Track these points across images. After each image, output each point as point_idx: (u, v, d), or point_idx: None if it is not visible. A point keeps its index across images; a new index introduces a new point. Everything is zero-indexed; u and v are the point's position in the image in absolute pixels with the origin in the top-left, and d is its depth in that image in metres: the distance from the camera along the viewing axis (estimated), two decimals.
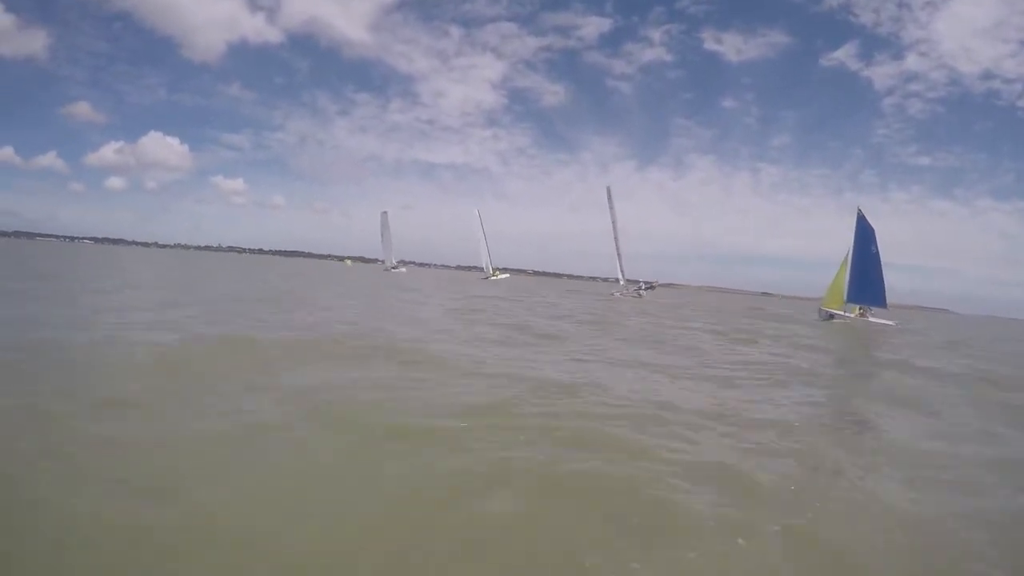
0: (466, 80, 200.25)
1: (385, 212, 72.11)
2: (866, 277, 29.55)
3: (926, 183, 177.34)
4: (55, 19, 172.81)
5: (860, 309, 29.15)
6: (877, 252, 29.52)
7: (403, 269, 71.04)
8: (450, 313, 17.05)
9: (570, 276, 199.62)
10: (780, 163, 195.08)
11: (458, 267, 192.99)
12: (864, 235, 29.84)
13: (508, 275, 70.22)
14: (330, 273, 51.16)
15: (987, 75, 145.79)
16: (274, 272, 41.80)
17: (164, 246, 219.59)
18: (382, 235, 71.72)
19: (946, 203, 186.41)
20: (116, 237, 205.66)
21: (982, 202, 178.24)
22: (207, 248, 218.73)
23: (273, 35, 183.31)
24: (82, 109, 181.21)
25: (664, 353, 10.83)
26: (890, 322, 28.43)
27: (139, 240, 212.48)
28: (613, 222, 46.19)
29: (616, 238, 46.45)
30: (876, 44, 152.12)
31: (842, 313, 29.01)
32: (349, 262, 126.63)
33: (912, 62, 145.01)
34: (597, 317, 18.91)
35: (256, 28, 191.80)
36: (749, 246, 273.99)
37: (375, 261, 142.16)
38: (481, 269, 66.01)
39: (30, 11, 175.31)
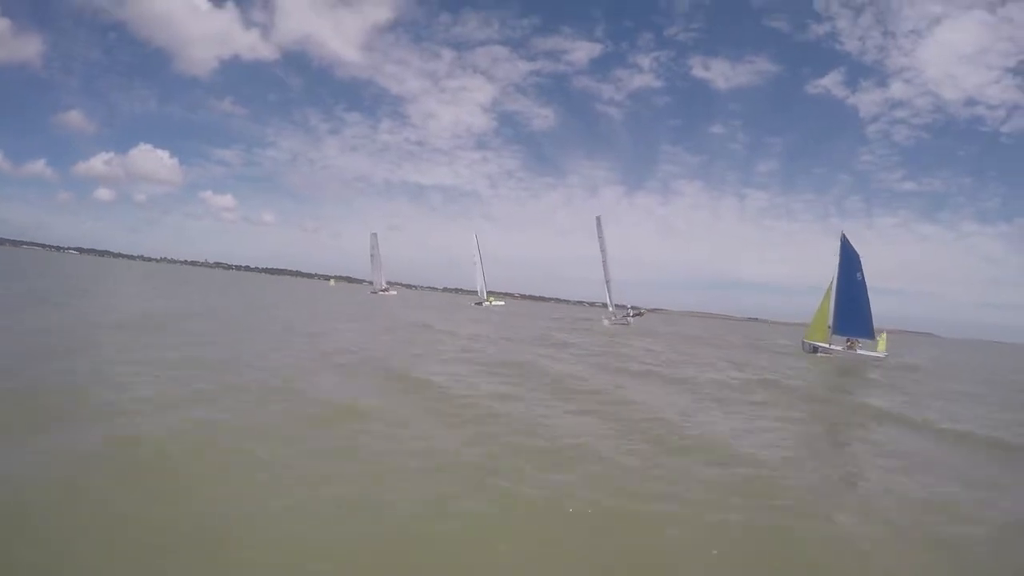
0: (456, 102, 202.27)
1: (375, 233, 71.39)
2: (852, 306, 27.61)
3: (911, 208, 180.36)
4: (51, 26, 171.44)
5: (848, 341, 27.34)
6: (863, 279, 27.74)
7: (393, 292, 70.20)
8: (378, 372, 11.23)
9: (557, 300, 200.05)
10: (767, 188, 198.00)
11: (445, 289, 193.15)
12: (849, 262, 27.99)
13: (503, 303, 68.46)
14: (308, 293, 49.11)
15: (971, 101, 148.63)
16: (238, 289, 39.26)
17: (150, 259, 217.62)
18: (371, 256, 70.95)
19: (931, 227, 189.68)
20: (103, 248, 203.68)
21: (967, 226, 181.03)
22: (193, 263, 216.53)
23: (266, 52, 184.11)
24: (73, 118, 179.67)
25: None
26: (880, 354, 26.65)
27: (125, 252, 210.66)
28: (602, 250, 46.12)
29: (605, 266, 46.34)
30: (862, 71, 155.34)
31: (826, 346, 27.46)
32: (333, 282, 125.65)
33: (897, 89, 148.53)
34: (590, 373, 14.02)
35: (249, 44, 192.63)
36: (736, 271, 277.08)
37: (362, 282, 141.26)
38: (474, 293, 65.17)
39: (26, 17, 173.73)
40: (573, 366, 15.04)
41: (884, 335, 28.31)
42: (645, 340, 29.37)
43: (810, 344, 27.95)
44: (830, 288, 28.07)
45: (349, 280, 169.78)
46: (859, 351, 26.94)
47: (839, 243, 28.22)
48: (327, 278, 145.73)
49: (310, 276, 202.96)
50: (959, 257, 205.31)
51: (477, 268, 62.94)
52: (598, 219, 46.08)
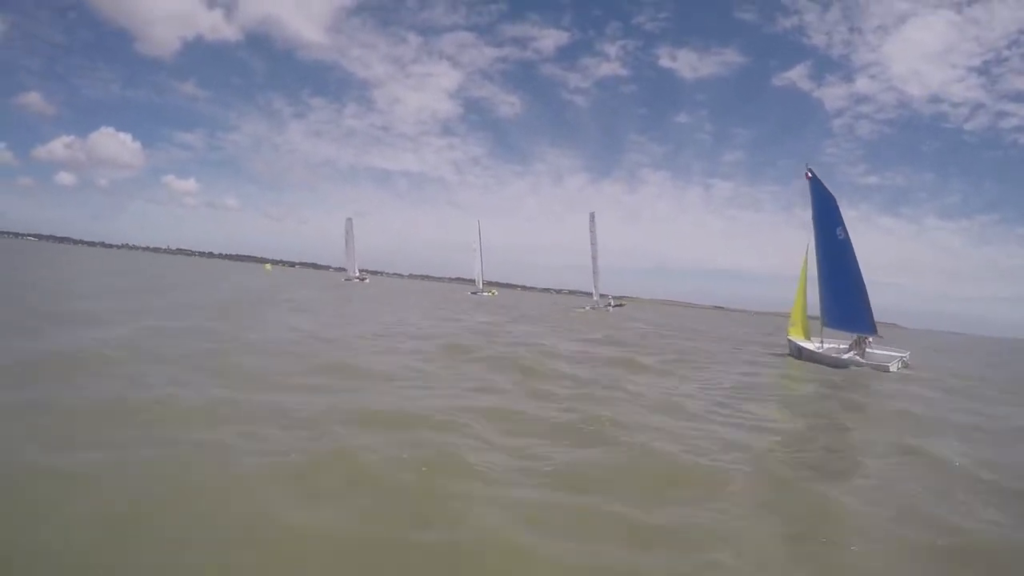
0: (422, 88, 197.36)
1: (350, 218, 67.74)
2: (840, 281, 17.13)
3: (872, 201, 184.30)
4: (10, 5, 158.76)
5: (856, 338, 17.06)
6: (847, 238, 17.10)
7: (367, 280, 67.06)
8: None
9: (524, 287, 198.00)
10: (733, 179, 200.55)
11: (411, 276, 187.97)
12: (824, 209, 17.55)
13: (497, 292, 66.98)
14: (236, 281, 38.59)
15: (935, 98, 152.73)
16: (158, 278, 31.59)
17: (111, 246, 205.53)
18: (346, 243, 67.35)
19: (892, 221, 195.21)
20: (63, 235, 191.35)
21: (928, 221, 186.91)
22: (155, 250, 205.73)
23: (230, 33, 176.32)
24: (33, 100, 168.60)
25: None
26: (901, 356, 16.72)
27: (86, 239, 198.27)
28: (592, 244, 46.55)
29: (594, 259, 46.84)
30: (828, 66, 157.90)
31: (812, 348, 16.98)
32: (269, 267, 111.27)
33: (863, 84, 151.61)
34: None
35: (213, 25, 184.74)
36: (701, 260, 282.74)
37: (327, 268, 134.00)
38: (443, 280, 63.26)
39: None
40: None
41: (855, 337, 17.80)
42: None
43: (795, 345, 17.59)
44: (806, 256, 17.99)
45: (315, 266, 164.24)
46: (867, 351, 16.74)
47: (808, 185, 17.94)
48: (292, 264, 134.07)
49: (275, 263, 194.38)
50: (920, 250, 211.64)
51: (476, 257, 60.23)
52: (591, 215, 46.25)
